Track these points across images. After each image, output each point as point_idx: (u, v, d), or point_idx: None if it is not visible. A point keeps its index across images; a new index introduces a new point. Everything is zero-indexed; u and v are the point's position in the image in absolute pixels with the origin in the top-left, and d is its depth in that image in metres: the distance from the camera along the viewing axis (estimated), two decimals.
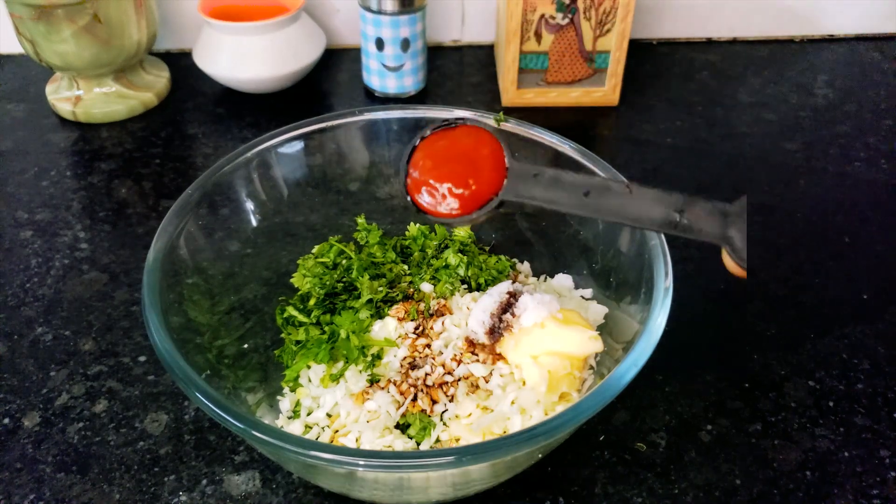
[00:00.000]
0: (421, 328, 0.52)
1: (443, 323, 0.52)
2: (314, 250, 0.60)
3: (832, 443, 0.53)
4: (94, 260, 0.68)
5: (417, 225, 0.61)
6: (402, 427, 0.49)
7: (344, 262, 0.57)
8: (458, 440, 0.47)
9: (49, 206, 0.74)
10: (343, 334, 0.52)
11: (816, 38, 1.01)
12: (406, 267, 0.58)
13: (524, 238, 0.62)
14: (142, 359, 0.59)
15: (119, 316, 0.62)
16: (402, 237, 0.61)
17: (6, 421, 0.54)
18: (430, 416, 0.48)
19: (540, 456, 0.47)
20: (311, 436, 0.49)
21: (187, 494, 0.50)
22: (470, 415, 0.47)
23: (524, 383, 0.48)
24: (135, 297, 0.64)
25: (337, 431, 0.48)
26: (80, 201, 0.75)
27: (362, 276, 0.55)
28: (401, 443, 0.46)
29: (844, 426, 0.54)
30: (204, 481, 0.50)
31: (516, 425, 0.47)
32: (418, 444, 0.47)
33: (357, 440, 0.47)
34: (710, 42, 1.01)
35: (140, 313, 0.62)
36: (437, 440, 0.48)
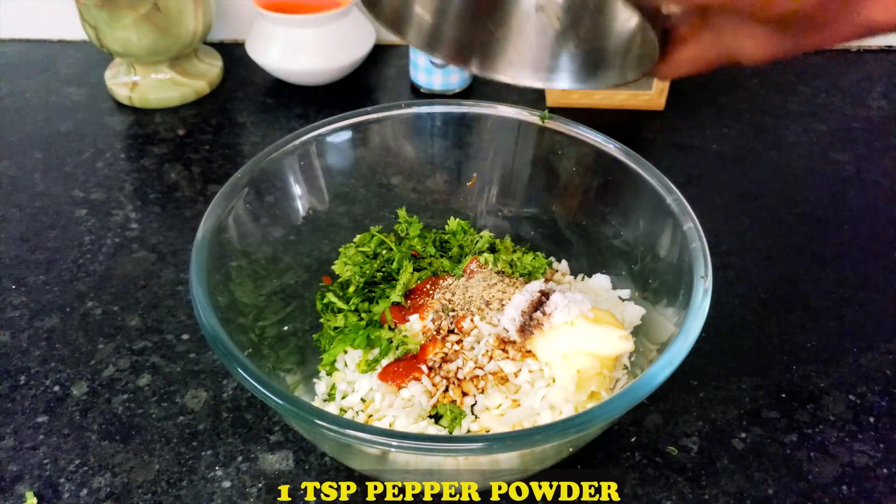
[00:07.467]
0: (454, 324, 0.53)
1: (472, 320, 0.52)
2: (355, 239, 0.61)
3: (871, 459, 0.52)
4: (143, 240, 0.70)
5: (457, 220, 0.62)
6: (435, 418, 0.49)
7: (384, 252, 0.58)
8: (488, 431, 0.48)
9: (103, 187, 0.77)
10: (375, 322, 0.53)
11: (874, 49, 0.98)
12: (447, 262, 0.59)
13: (564, 238, 0.62)
14: (185, 337, 0.61)
15: (165, 294, 0.64)
16: (441, 231, 0.62)
17: (56, 388, 0.57)
18: (461, 408, 0.49)
19: (570, 450, 0.47)
20: None
21: (223, 469, 0.51)
22: (500, 405, 0.48)
23: (553, 381, 0.49)
24: (180, 278, 0.66)
25: (371, 416, 0.49)
26: (132, 183, 0.77)
27: (407, 262, 0.56)
28: (433, 430, 0.47)
29: (885, 442, 0.53)
30: (239, 458, 0.52)
31: (546, 421, 0.47)
32: (450, 433, 0.48)
33: (391, 425, 0.48)
34: None
35: (185, 294, 0.64)
36: (468, 431, 0.48)
